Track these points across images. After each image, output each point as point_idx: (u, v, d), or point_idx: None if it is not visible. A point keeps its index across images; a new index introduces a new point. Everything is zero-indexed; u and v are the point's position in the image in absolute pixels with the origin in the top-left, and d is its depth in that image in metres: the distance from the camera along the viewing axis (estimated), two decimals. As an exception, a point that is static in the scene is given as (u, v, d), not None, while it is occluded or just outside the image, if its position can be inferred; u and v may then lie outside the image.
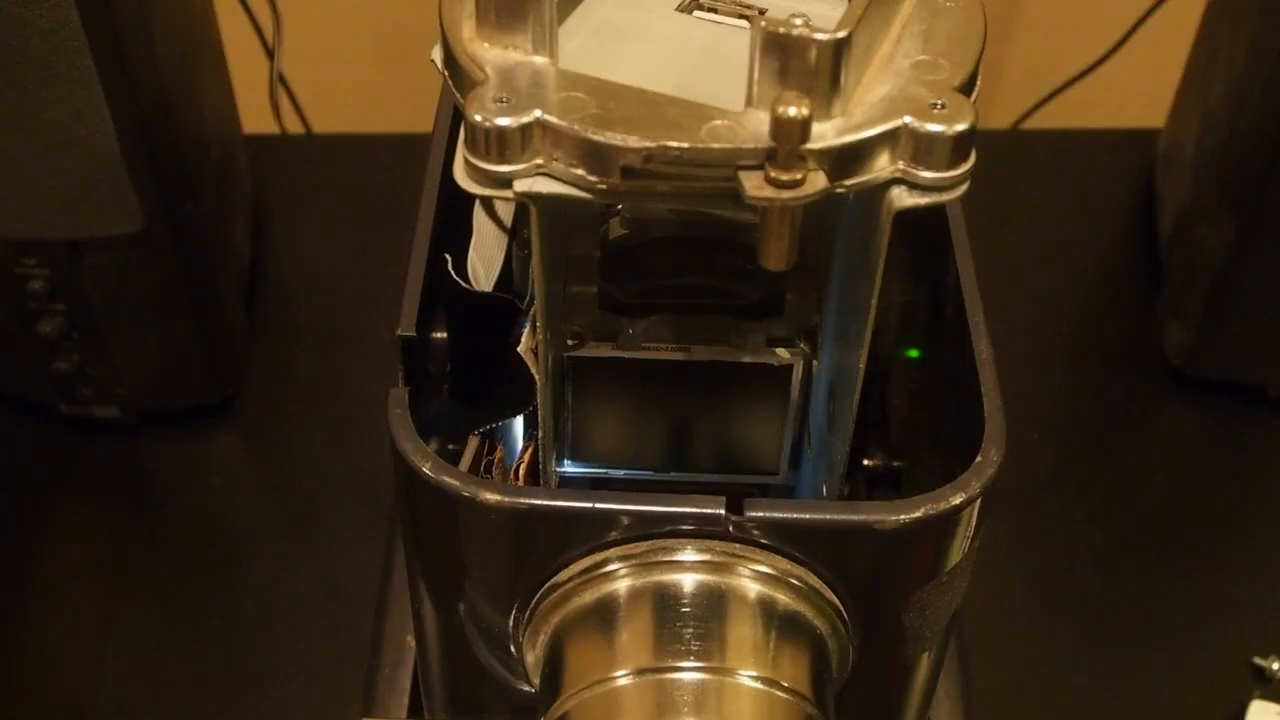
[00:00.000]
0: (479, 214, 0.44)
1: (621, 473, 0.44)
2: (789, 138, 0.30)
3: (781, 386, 0.42)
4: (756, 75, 0.31)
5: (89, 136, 0.61)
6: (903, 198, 0.33)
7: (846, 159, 0.32)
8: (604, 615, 0.38)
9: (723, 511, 0.37)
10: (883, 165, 0.32)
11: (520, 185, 0.32)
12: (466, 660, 0.42)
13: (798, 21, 0.30)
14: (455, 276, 0.43)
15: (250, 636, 0.67)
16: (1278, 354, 0.75)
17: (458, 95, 0.34)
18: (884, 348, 0.49)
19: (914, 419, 0.48)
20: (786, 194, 0.30)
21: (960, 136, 0.32)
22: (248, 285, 0.80)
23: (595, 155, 0.31)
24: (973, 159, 0.32)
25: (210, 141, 0.73)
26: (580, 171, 0.32)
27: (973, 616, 0.63)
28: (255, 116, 0.88)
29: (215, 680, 0.66)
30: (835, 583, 0.38)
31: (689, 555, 0.37)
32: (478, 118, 0.31)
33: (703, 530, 0.37)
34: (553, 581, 0.38)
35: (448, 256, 0.43)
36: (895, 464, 0.49)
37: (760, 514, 0.37)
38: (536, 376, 0.40)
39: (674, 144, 0.31)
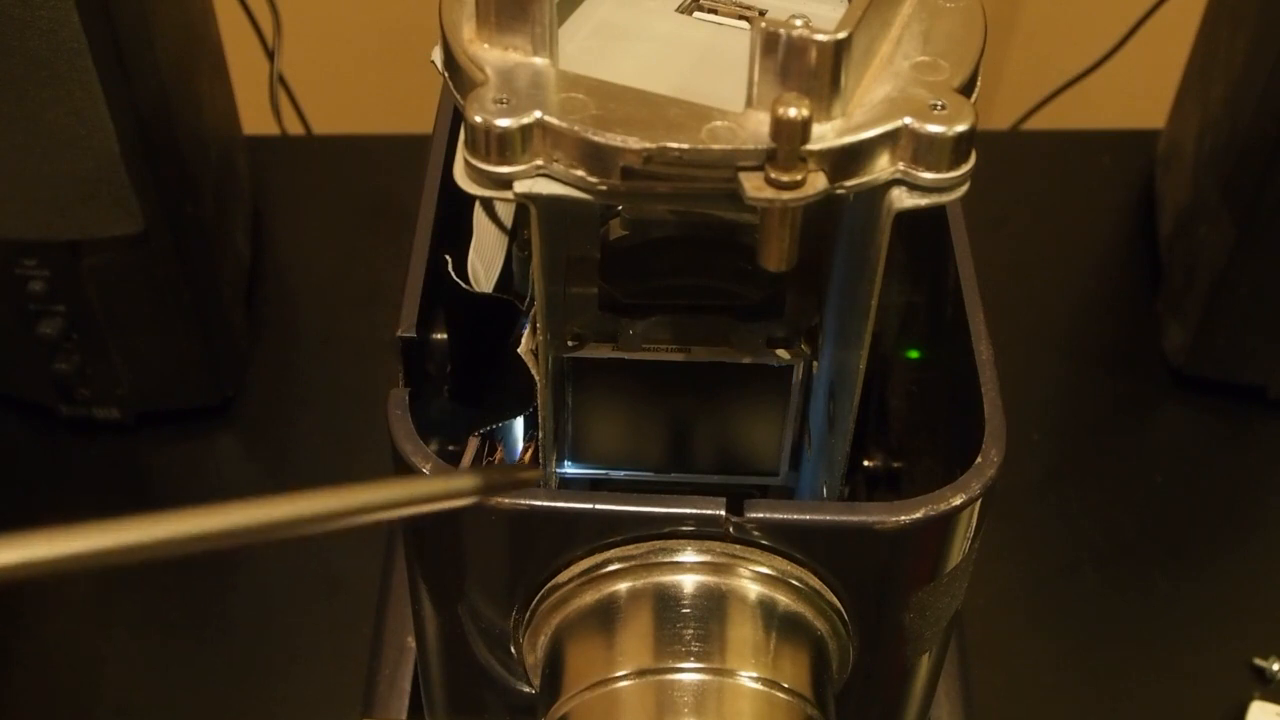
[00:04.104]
0: (479, 215, 0.44)
1: (621, 474, 0.44)
2: (789, 139, 0.30)
3: (781, 387, 0.42)
4: (756, 76, 0.31)
5: (89, 137, 0.61)
6: (903, 198, 0.33)
7: (847, 160, 0.32)
8: (604, 616, 0.38)
9: (723, 512, 0.37)
10: (883, 166, 0.32)
11: (520, 186, 0.32)
12: (466, 661, 0.42)
13: (798, 22, 0.30)
14: (455, 277, 0.43)
15: (250, 636, 0.67)
16: (1278, 354, 0.75)
17: (458, 96, 0.34)
18: (884, 348, 0.49)
19: (914, 419, 0.48)
20: (786, 195, 0.30)
21: (960, 137, 0.32)
22: (248, 285, 0.80)
23: (595, 156, 0.31)
24: (973, 160, 0.32)
25: (210, 142, 0.73)
26: (580, 172, 0.32)
27: (973, 616, 0.63)
28: (255, 117, 0.88)
29: (215, 680, 0.66)
30: (835, 584, 0.38)
31: (689, 556, 0.37)
32: (478, 119, 0.31)
33: (703, 531, 0.37)
34: (553, 583, 0.38)
35: (448, 257, 0.43)
36: (895, 465, 0.49)
37: (760, 515, 0.37)
38: (536, 377, 0.40)
39: (674, 145, 0.31)
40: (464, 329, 0.44)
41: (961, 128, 0.32)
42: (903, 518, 0.36)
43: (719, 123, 0.31)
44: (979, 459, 0.37)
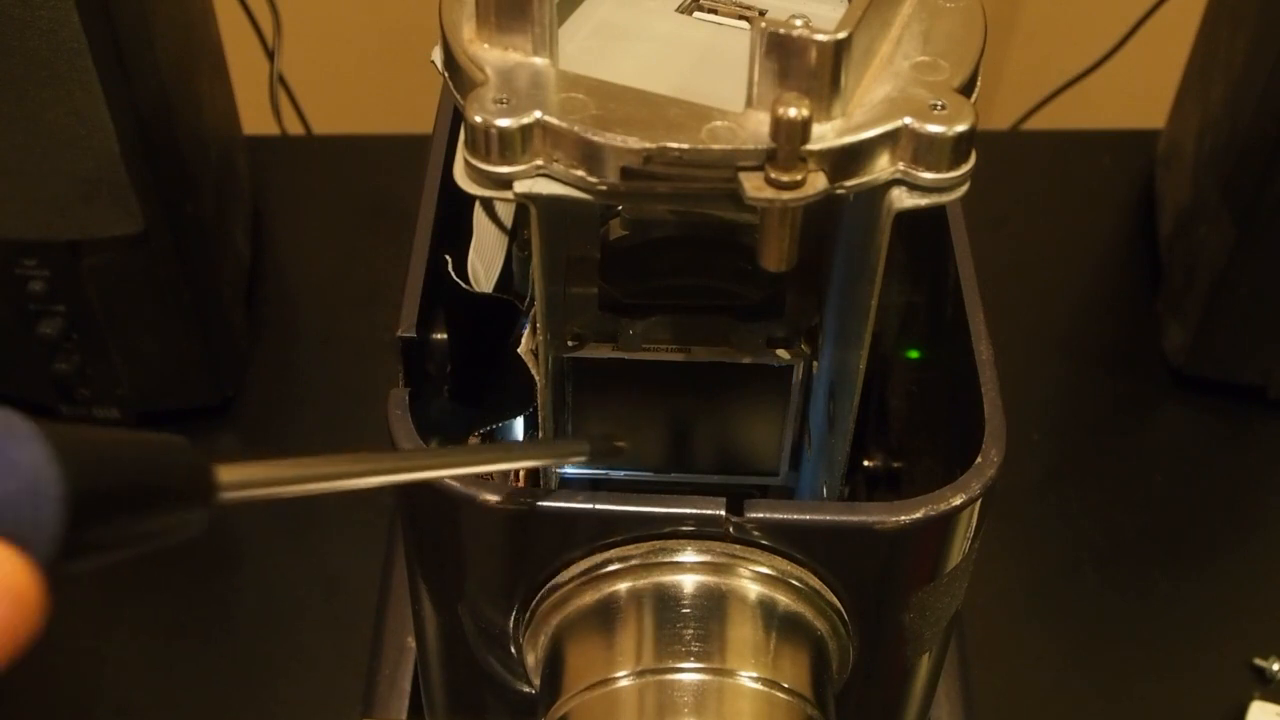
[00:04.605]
0: (479, 215, 0.44)
1: (621, 474, 0.44)
2: (789, 139, 0.30)
3: (781, 387, 0.42)
4: (756, 76, 0.31)
5: (89, 137, 0.61)
6: (903, 198, 0.33)
7: (847, 160, 0.32)
8: (604, 616, 0.38)
9: (723, 512, 0.37)
10: (883, 166, 0.32)
11: (520, 186, 0.32)
12: (467, 661, 0.42)
13: (798, 22, 0.30)
14: (455, 277, 0.43)
15: (250, 636, 0.67)
16: (1278, 354, 0.75)
17: (458, 96, 0.34)
18: (884, 348, 0.49)
19: (914, 419, 0.48)
20: (786, 195, 0.30)
21: (960, 137, 0.32)
22: (248, 285, 0.80)
23: (595, 156, 0.31)
24: (973, 160, 0.32)
25: (210, 142, 0.73)
26: (580, 172, 0.32)
27: (973, 616, 0.63)
28: (255, 117, 0.88)
29: (215, 680, 0.66)
30: (835, 584, 0.38)
31: (689, 556, 0.37)
32: (478, 119, 0.31)
33: (703, 531, 0.37)
34: (553, 582, 0.38)
35: (448, 257, 0.43)
36: (895, 464, 0.49)
37: (760, 515, 0.37)
38: (537, 377, 0.40)
39: (674, 145, 0.31)
40: (464, 329, 0.44)
41: (961, 128, 0.32)
42: (903, 518, 0.36)
43: (719, 123, 0.31)
44: (979, 459, 0.37)
